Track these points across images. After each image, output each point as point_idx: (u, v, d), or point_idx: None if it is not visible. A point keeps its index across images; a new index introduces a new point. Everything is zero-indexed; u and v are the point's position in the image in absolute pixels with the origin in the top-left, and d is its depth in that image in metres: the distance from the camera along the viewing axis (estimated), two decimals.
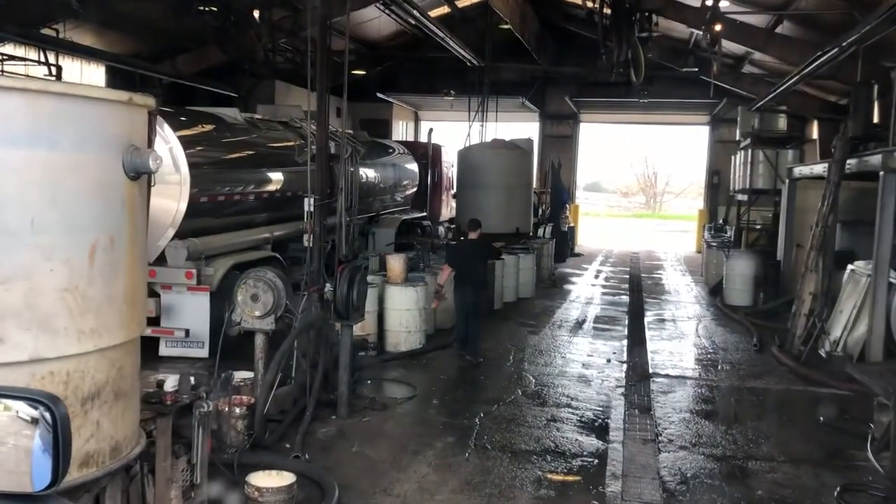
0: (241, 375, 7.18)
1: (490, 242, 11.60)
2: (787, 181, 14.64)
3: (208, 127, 10.51)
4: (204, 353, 9.03)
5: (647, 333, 12.14)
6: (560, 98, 26.59)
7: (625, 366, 9.92)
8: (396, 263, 10.07)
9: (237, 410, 6.21)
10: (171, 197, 9.10)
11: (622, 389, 8.73)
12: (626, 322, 13.07)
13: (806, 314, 10.70)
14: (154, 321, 9.20)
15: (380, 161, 17.20)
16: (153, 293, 9.30)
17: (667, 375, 9.51)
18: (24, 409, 1.86)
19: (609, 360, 10.12)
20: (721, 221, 25.42)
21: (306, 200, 7.68)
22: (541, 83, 26.90)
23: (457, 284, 10.52)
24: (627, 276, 19.31)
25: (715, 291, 16.50)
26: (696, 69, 22.88)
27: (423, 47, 23.33)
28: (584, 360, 10.10)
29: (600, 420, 7.63)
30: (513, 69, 25.02)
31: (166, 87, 19.22)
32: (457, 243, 11.56)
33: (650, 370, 9.72)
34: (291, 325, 6.83)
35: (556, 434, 7.11)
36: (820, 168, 12.35)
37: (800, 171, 13.79)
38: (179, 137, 9.19)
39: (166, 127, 9.08)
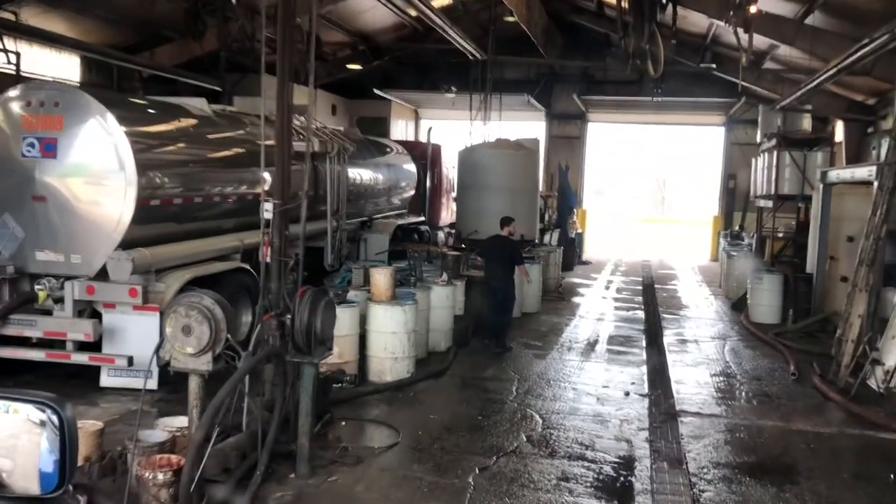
0: (176, 423, 5.82)
1: (515, 241, 11.40)
2: (820, 186, 13.21)
3: (166, 119, 9.13)
4: (152, 383, 7.65)
5: (669, 357, 10.73)
6: (567, 96, 25.20)
7: (646, 400, 8.51)
8: (382, 278, 8.67)
9: (160, 476, 4.83)
10: (115, 200, 7.75)
11: (646, 433, 7.33)
12: (644, 343, 11.66)
13: (854, 340, 9.29)
14: (95, 346, 7.86)
15: (373, 161, 15.84)
16: (94, 313, 7.95)
17: (697, 413, 8.10)
18: (32, 413, 1.88)
19: (628, 394, 8.72)
20: (737, 228, 24.06)
21: (262, 206, 6.29)
22: (547, 80, 25.56)
23: (486, 279, 10.61)
24: (640, 288, 17.90)
25: (738, 307, 15.08)
26: (714, 65, 21.51)
27: (424, 40, 22.01)
28: (598, 393, 8.69)
29: (622, 477, 6.23)
30: (518, 63, 23.68)
31: (147, 81, 17.93)
32: (487, 239, 11.39)
33: (676, 406, 8.32)
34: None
35: (569, 500, 5.71)
36: (864, 172, 10.94)
37: (837, 174, 12.37)
38: (128, 131, 7.84)
39: (110, 117, 7.74)
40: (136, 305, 7.68)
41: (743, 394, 9.03)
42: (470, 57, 18.07)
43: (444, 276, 10.37)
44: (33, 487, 1.86)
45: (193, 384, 5.28)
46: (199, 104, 10.06)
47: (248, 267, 9.66)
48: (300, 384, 5.70)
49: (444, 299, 10.16)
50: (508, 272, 10.69)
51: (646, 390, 8.92)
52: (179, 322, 5.11)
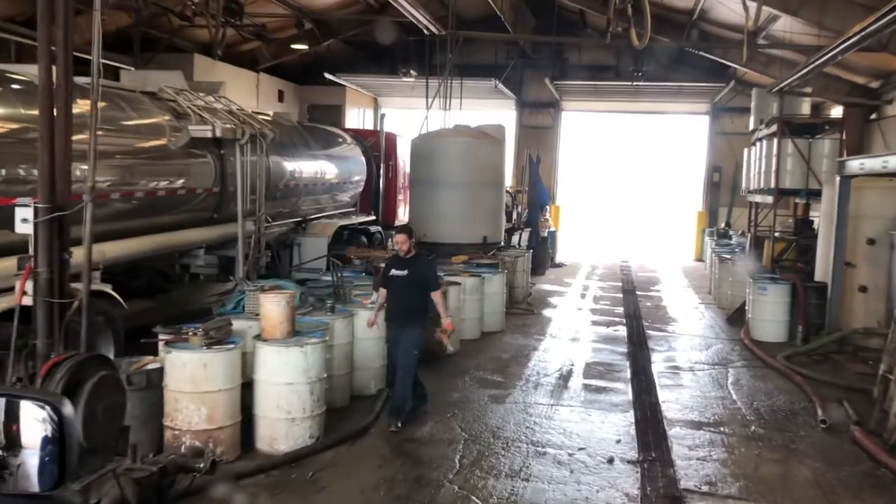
0: None
1: (431, 261, 8.15)
2: (836, 179, 11.07)
3: None
4: None
5: (660, 395, 8.52)
6: (539, 83, 22.95)
7: (637, 470, 6.26)
8: (275, 308, 6.30)
9: None
10: None
11: None
12: (628, 374, 9.43)
13: None
14: None
15: (310, 151, 13.44)
16: None
17: (709, 494, 5.86)
18: (32, 410, 1.91)
19: (612, 460, 6.45)
20: (724, 225, 22.05)
21: (18, 212, 3.90)
22: (518, 65, 23.30)
23: (389, 319, 7.32)
24: (620, 296, 15.69)
25: (734, 320, 12.94)
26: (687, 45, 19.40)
27: (382, 13, 19.61)
28: (572, 461, 6.40)
29: None
30: (485, 43, 21.49)
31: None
32: (390, 259, 7.79)
33: (679, 480, 6.08)
34: None
35: None
36: None
37: (861, 164, 10.19)
38: None
39: None
40: None
41: (764, 455, 6.80)
42: (426, 32, 15.68)
43: (374, 297, 8.03)
44: (32, 484, 1.89)
45: None
46: None
47: (108, 289, 7.27)
48: None
49: (373, 328, 7.83)
50: (423, 305, 7.19)
51: (636, 452, 6.66)
52: None
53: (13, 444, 1.94)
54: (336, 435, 6.50)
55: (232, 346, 6.04)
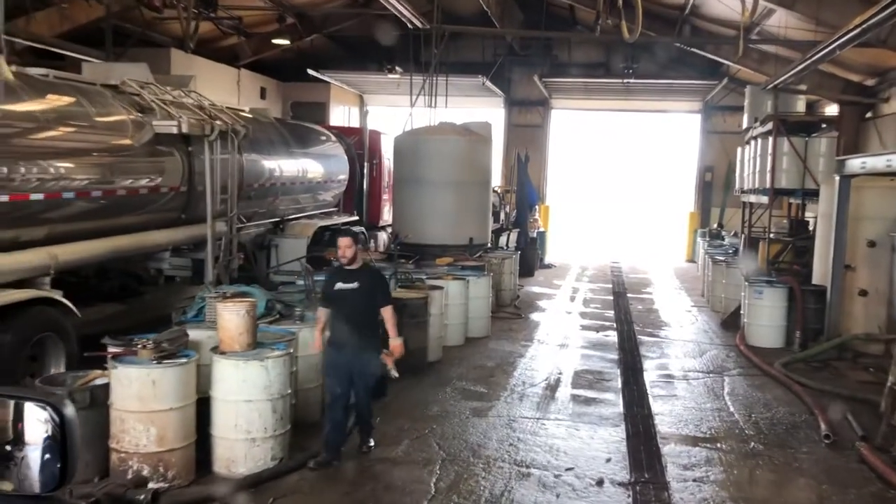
0: None
1: (380, 272, 7.23)
2: (836, 178, 10.62)
3: None
4: None
5: (653, 407, 8.03)
6: (529, 80, 22.47)
7: (629, 494, 5.76)
8: (233, 317, 5.76)
9: None
10: None
11: None
12: (619, 383, 8.94)
13: None
14: None
15: (289, 149, 12.89)
16: None
17: None
18: (33, 411, 1.93)
19: (601, 482, 5.95)
20: (716, 226, 21.63)
21: None
22: (506, 63, 22.81)
23: (337, 343, 6.14)
24: (611, 298, 15.22)
25: (729, 324, 12.48)
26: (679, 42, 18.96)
27: (366, 8, 19.09)
28: (558, 483, 5.89)
29: None
30: (472, 39, 21.04)
31: (21, 52, 14.77)
32: (332, 272, 6.68)
33: None
34: None
35: None
36: None
37: (863, 163, 9.72)
38: None
39: None
40: None
41: (765, 475, 6.31)
42: (410, 26, 15.17)
43: None
44: (34, 485, 1.91)
45: None
46: None
47: (57, 296, 6.73)
48: None
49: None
50: (372, 327, 6.24)
51: (627, 473, 6.17)
52: None
53: (18, 440, 1.96)
54: (302, 456, 5.97)
55: (185, 360, 5.49)
